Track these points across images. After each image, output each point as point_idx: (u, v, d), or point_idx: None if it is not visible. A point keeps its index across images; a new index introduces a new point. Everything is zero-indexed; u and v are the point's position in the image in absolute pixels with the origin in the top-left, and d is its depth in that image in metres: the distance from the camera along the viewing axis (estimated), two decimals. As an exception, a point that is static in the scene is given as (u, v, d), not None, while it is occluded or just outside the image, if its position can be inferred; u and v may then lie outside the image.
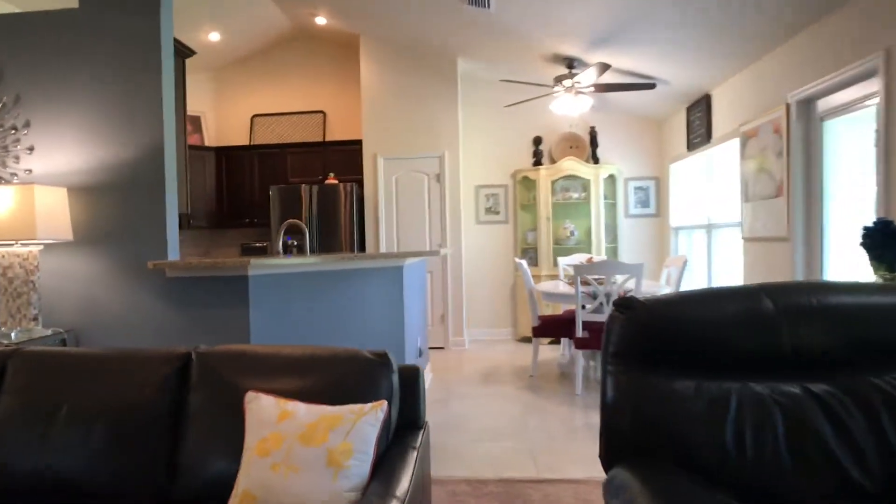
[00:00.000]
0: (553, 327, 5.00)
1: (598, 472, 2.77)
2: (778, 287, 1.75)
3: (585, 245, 6.64)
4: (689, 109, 5.83)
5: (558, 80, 5.36)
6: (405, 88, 6.25)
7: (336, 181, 6.15)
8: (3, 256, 2.76)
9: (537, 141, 6.78)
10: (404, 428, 1.67)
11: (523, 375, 5.05)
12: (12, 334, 2.74)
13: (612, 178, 6.76)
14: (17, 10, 2.91)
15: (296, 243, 6.06)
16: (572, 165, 6.50)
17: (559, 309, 6.18)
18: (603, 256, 5.89)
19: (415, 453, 1.52)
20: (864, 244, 2.55)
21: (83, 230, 2.83)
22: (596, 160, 6.72)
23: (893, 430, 1.55)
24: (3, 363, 1.68)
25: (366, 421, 1.44)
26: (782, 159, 4.06)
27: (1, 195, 2.61)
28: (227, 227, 6.72)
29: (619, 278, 4.81)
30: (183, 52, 5.12)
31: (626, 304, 1.78)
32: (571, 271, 5.95)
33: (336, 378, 1.56)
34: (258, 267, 2.78)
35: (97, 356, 1.68)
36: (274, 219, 6.09)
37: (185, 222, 6.36)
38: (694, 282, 5.91)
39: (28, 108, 2.89)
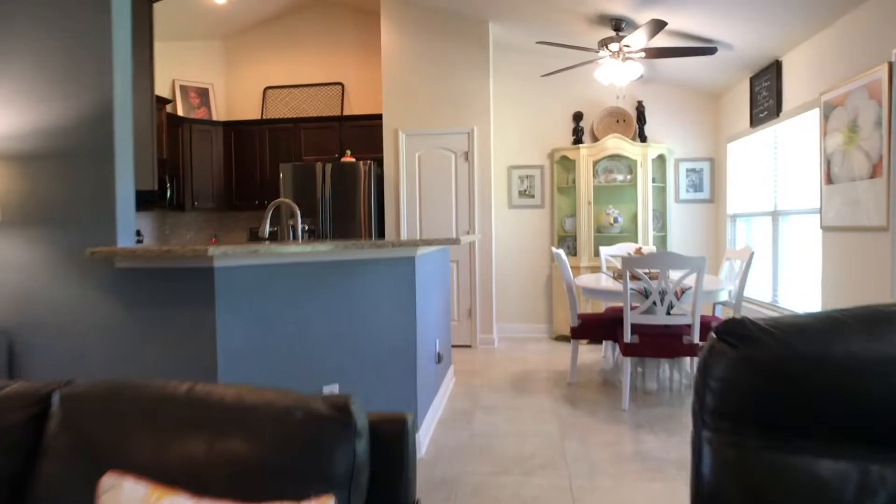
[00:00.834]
0: (595, 328, 4.36)
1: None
2: None
3: (631, 233, 5.94)
4: (754, 79, 5.06)
5: (603, 43, 4.66)
6: (430, 57, 5.61)
7: (353, 159, 5.57)
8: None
9: (578, 117, 6.08)
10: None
11: (560, 382, 4.43)
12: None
13: (661, 159, 6.03)
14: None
15: (307, 227, 5.52)
16: (617, 144, 5.79)
17: (600, 306, 5.52)
18: (651, 247, 5.21)
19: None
20: None
21: (14, 209, 2.30)
22: (643, 139, 6.00)
23: None
24: None
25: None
26: (881, 131, 3.32)
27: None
28: (236, 209, 6.22)
29: (675, 274, 4.15)
30: None
31: (737, 333, 1.15)
32: (615, 263, 5.28)
33: (261, 448, 0.98)
34: (225, 257, 2.21)
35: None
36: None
37: (181, 203, 5.88)
38: (757, 278, 5.18)
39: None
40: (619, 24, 4.73)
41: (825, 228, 3.96)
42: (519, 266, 6.25)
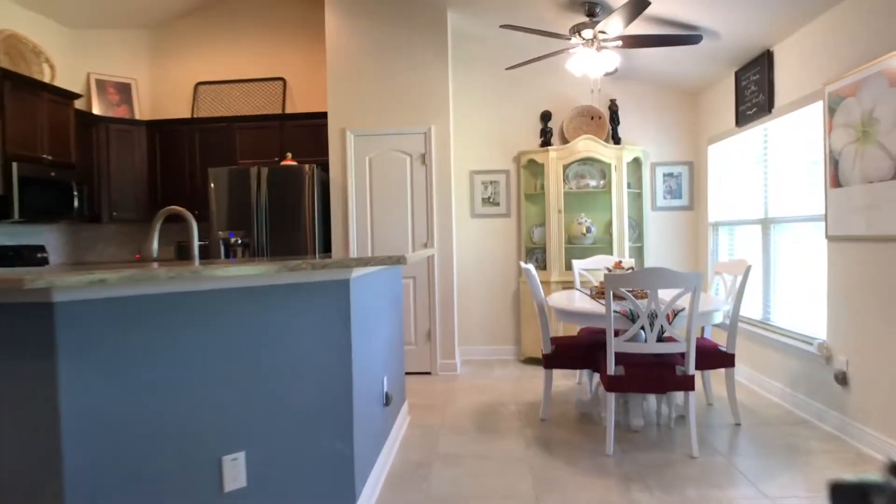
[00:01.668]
0: (571, 356, 3.77)
1: None
2: None
3: (604, 244, 5.40)
4: (740, 73, 4.58)
5: (576, 30, 4.11)
6: (382, 48, 4.99)
7: (295, 162, 4.89)
8: None
9: (546, 116, 5.53)
10: None
11: (532, 418, 3.82)
12: None
13: (636, 163, 5.52)
14: None
15: (241, 241, 4.80)
16: (589, 146, 5.25)
17: (573, 327, 4.94)
18: (630, 260, 4.67)
19: None
20: None
21: None
22: (617, 140, 5.48)
23: None
24: None
25: None
26: (905, 125, 2.82)
27: None
28: (164, 220, 5.45)
29: (665, 293, 3.58)
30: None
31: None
32: (590, 278, 4.72)
33: None
34: (71, 289, 1.54)
35: None
36: (216, 209, 4.83)
37: (97, 214, 5.12)
38: (746, 294, 4.67)
39: None
40: (592, 9, 4.18)
41: (831, 238, 3.45)
42: (483, 281, 5.65)
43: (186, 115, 5.64)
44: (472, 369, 5.22)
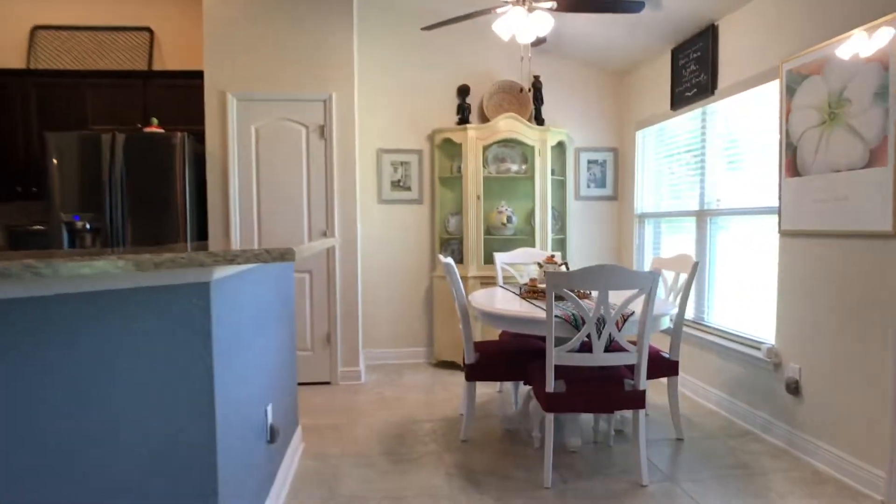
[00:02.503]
0: (500, 366, 3.20)
1: None
2: None
3: (526, 236, 4.90)
4: (678, 51, 4.20)
5: (507, -14, 3.53)
6: (274, -4, 4.16)
7: (162, 130, 3.98)
8: None
9: (464, 91, 4.93)
10: None
11: (451, 438, 3.22)
12: None
13: (560, 148, 5.05)
14: None
15: (90, 226, 3.84)
16: (512, 126, 4.72)
17: (491, 331, 4.38)
18: (548, 252, 4.20)
19: None
20: None
21: None
22: (540, 121, 4.99)
23: None
24: None
25: None
26: (886, 103, 2.47)
27: None
28: (-13, 197, 4.33)
29: (616, 295, 3.09)
30: None
31: None
32: (514, 274, 4.19)
33: None
34: None
35: None
36: (58, 185, 3.83)
37: None
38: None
39: None
40: (524, -37, 3.61)
41: (785, 233, 3.10)
42: (392, 276, 4.99)
43: (20, 65, 4.51)
44: (379, 376, 4.56)
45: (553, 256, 3.48)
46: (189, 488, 1.56)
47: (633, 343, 2.67)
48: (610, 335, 2.60)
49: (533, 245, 4.80)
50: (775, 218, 3.22)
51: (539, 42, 4.34)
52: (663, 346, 3.37)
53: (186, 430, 1.54)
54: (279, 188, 4.25)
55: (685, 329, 4.04)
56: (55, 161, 3.84)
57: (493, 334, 4.37)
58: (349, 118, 4.29)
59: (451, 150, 4.92)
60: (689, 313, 4.11)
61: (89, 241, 3.84)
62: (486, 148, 4.79)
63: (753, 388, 3.36)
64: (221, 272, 1.60)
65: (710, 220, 3.94)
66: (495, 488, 2.64)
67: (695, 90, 3.97)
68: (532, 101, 5.00)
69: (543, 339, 3.09)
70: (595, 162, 5.19)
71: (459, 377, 4.50)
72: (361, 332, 4.62)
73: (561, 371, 2.69)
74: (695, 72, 3.97)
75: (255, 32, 4.15)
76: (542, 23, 3.56)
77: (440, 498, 2.55)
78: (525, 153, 4.93)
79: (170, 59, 4.68)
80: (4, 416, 1.27)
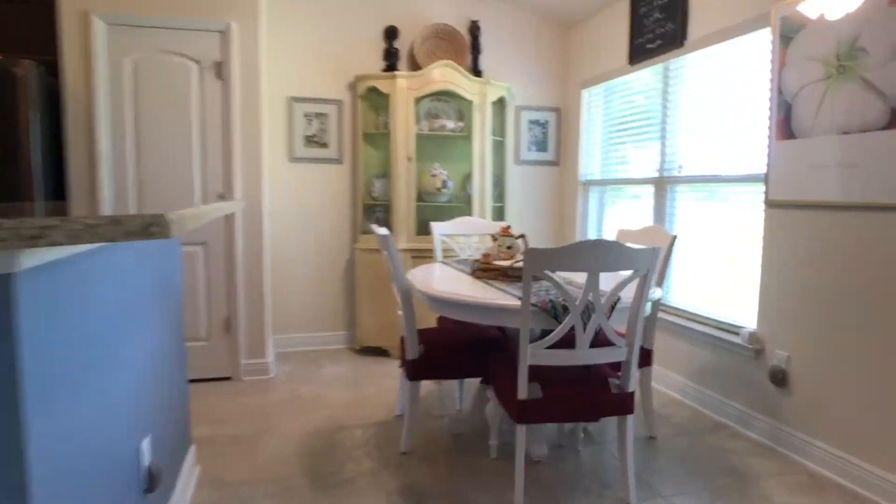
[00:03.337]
0: (448, 361, 2.64)
1: None
2: None
3: (462, 203, 4.32)
4: (635, -2, 3.73)
5: None
6: None
7: (1, 57, 3.00)
8: None
9: (392, 33, 4.22)
10: None
11: (389, 450, 2.63)
12: None
13: (500, 105, 4.48)
14: None
15: None
16: (449, 75, 4.09)
17: (425, 312, 3.80)
18: (488, 220, 3.67)
19: None
20: None
21: None
22: (478, 73, 4.39)
23: None
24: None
25: None
26: (912, 55, 2.09)
27: None
28: None
29: (605, 279, 2.58)
30: None
31: None
32: (453, 247, 3.62)
33: None
34: None
35: None
36: None
37: None
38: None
39: None
40: None
41: (773, 204, 2.73)
42: (306, 248, 4.26)
43: None
44: (293, 368, 3.86)
45: (508, 228, 2.92)
46: None
47: (621, 335, 2.19)
48: (598, 327, 2.09)
49: (469, 213, 4.24)
50: (757, 187, 2.85)
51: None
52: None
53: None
54: (164, 139, 3.40)
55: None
56: None
57: (425, 318, 3.79)
58: (253, 56, 3.48)
59: (377, 101, 4.22)
60: (645, 291, 3.72)
61: None
62: (418, 100, 4.13)
63: (729, 376, 3.02)
64: (41, 257, 0.89)
65: (670, 188, 3.55)
66: (454, 520, 2.09)
67: (659, 42, 3.51)
68: (469, 50, 4.38)
69: (501, 327, 2.55)
70: (537, 122, 4.68)
71: (388, 366, 3.91)
72: (270, 315, 3.89)
73: (535, 372, 2.16)
74: (660, 20, 3.50)
75: (128, -64, 3.23)
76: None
77: (386, 540, 1.97)
78: (462, 109, 4.33)
79: (11, -34, 3.61)
80: None
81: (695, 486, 2.36)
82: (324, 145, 4.21)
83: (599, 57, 4.21)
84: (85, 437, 1.16)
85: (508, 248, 2.82)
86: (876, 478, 2.26)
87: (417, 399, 2.66)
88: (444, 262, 3.22)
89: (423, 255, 3.99)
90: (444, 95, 4.26)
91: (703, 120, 3.29)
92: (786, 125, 2.64)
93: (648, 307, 2.53)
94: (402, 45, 4.29)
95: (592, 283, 2.01)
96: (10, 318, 0.84)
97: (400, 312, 2.65)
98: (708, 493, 2.31)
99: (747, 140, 2.97)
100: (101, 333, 1.28)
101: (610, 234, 4.25)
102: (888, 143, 2.20)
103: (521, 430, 2.14)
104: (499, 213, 4.51)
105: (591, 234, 4.45)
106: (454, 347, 2.66)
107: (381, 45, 4.26)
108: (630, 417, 2.22)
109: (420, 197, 4.20)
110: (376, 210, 4.30)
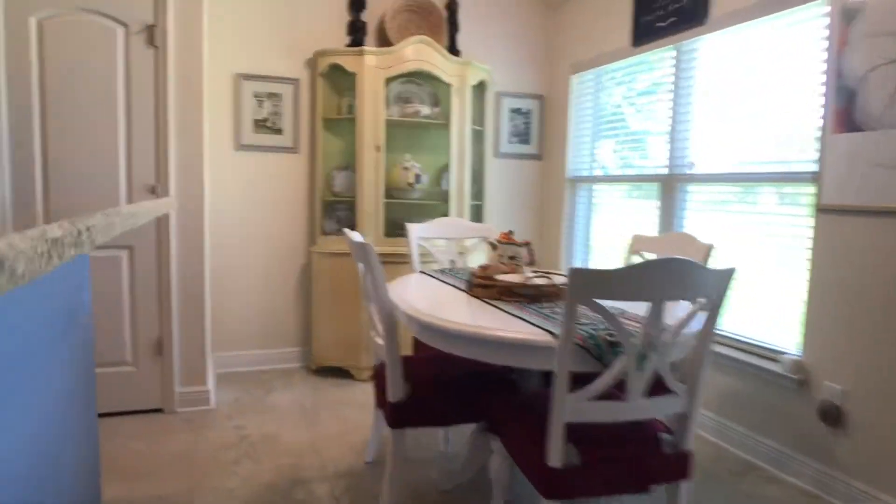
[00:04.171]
0: (441, 404, 2.10)
1: None
2: None
3: (437, 200, 3.78)
4: (640, -29, 3.26)
5: None
6: None
7: None
8: None
9: (358, 4, 3.63)
10: None
11: (367, 521, 2.08)
12: None
13: (480, 89, 3.95)
14: None
15: None
16: (425, 53, 3.53)
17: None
18: (487, 225, 3.15)
19: None
20: None
21: None
22: (455, 52, 3.85)
23: None
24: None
25: None
26: None
27: None
28: None
29: (674, 306, 2.07)
30: None
31: None
32: (431, 252, 3.07)
33: None
34: None
35: None
36: None
37: None
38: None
39: None
40: None
41: (827, 209, 2.31)
42: (254, 252, 3.63)
43: None
44: (238, 393, 3.24)
45: (510, 233, 2.41)
46: None
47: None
48: (655, 371, 1.60)
49: (446, 212, 3.71)
50: (801, 188, 2.43)
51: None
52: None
53: None
54: (80, 119, 2.71)
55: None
56: None
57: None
58: (194, 21, 2.84)
59: (340, 81, 3.62)
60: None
61: None
62: (388, 81, 3.55)
63: (761, 410, 2.60)
64: None
65: (680, 186, 3.11)
66: None
67: (673, 18, 3.06)
68: (446, 26, 3.83)
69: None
70: (518, 111, 4.18)
71: (350, 391, 3.34)
72: (210, 332, 3.25)
73: (574, 430, 1.65)
74: (674, -6, 3.05)
75: None
76: None
77: None
78: (438, 93, 3.78)
79: None
80: None
81: (753, 559, 1.91)
82: (277, 131, 3.58)
83: (593, 38, 3.74)
84: None
85: (511, 258, 2.31)
86: (970, 546, 1.86)
87: (402, 451, 2.11)
88: (426, 273, 2.67)
89: (393, 262, 3.41)
90: (418, 77, 3.71)
91: (726, 111, 2.85)
92: (847, 115, 2.22)
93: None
94: (369, 17, 3.70)
95: (655, 314, 1.52)
96: None
97: (379, 340, 2.10)
98: (772, 569, 1.86)
99: (788, 134, 2.54)
100: None
101: (601, 238, 3.81)
102: None
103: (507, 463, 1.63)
104: (476, 213, 3.98)
105: (579, 238, 3.99)
106: (449, 384, 2.13)
107: (345, 16, 3.66)
108: (686, 484, 1.74)
109: (389, 193, 3.62)
110: (338, 208, 3.70)
